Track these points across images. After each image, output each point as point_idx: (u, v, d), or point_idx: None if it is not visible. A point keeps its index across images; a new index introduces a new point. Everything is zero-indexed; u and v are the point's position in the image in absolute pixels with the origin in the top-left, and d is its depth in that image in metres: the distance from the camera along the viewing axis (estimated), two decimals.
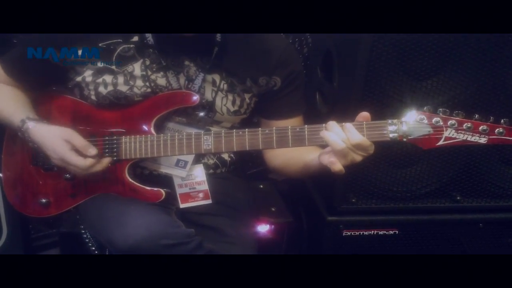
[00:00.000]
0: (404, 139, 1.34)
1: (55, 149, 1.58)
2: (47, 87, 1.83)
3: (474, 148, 1.83)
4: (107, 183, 1.70)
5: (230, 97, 1.72)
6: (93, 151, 1.58)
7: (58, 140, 1.58)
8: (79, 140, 1.58)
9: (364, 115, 1.38)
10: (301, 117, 1.81)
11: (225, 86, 1.70)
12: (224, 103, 1.72)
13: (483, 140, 1.28)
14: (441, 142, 1.31)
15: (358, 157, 1.38)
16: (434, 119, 1.30)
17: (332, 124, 1.37)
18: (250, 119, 1.85)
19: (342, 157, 1.36)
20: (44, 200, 1.77)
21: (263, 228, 2.10)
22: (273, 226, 2.12)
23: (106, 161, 1.62)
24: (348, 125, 1.35)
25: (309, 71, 2.31)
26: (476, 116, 1.28)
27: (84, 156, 1.57)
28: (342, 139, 1.33)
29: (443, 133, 1.30)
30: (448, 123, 1.29)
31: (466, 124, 1.28)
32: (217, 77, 1.70)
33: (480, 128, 1.28)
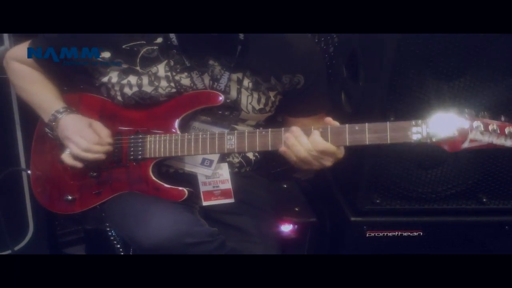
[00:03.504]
0: (428, 141, 1.32)
1: (75, 124, 1.66)
2: (70, 80, 1.86)
3: (500, 149, 1.80)
4: (131, 182, 1.71)
5: (255, 95, 1.71)
6: (109, 139, 1.67)
7: (83, 119, 1.69)
8: (101, 126, 1.68)
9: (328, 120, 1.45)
10: (323, 114, 1.79)
11: (250, 84, 1.70)
12: (250, 102, 1.72)
13: (509, 143, 1.26)
14: (466, 145, 1.29)
15: (327, 162, 1.46)
16: (459, 121, 1.28)
17: (297, 130, 1.45)
18: (275, 117, 1.85)
19: (305, 164, 1.46)
20: (70, 198, 1.79)
21: (287, 228, 2.09)
22: (296, 226, 2.11)
23: (107, 148, 1.67)
24: (315, 132, 1.43)
25: (335, 70, 2.30)
26: (503, 118, 1.26)
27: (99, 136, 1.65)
28: (306, 149, 1.43)
29: (468, 135, 1.28)
30: (474, 125, 1.27)
31: (491, 126, 1.26)
32: (241, 76, 1.70)
33: (506, 130, 1.25)
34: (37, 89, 1.78)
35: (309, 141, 1.42)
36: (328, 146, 1.41)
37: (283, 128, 1.48)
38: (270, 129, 1.50)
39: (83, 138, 1.63)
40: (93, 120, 1.71)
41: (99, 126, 1.68)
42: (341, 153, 1.45)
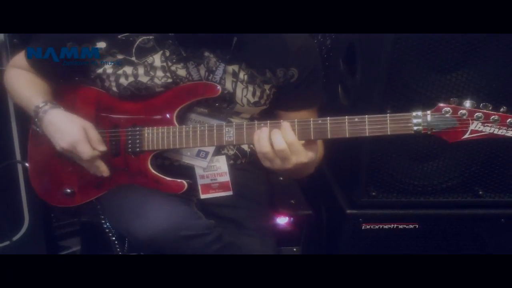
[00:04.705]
0: (429, 132, 1.32)
1: (69, 132, 1.60)
2: (69, 79, 1.84)
3: (497, 142, 1.81)
4: (130, 174, 1.70)
5: (251, 88, 1.71)
6: (102, 147, 1.63)
7: (77, 125, 1.61)
8: (94, 133, 1.63)
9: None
10: (316, 109, 1.81)
11: (246, 77, 1.70)
12: (245, 94, 1.71)
13: (510, 133, 1.26)
14: (467, 135, 1.29)
15: (284, 164, 1.42)
16: (460, 112, 1.28)
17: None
18: (270, 110, 1.84)
19: (267, 160, 1.43)
20: (69, 190, 1.79)
21: (282, 221, 2.09)
22: (292, 219, 2.10)
23: (104, 168, 1.66)
24: (285, 124, 1.41)
25: (332, 63, 2.30)
26: (503, 108, 1.26)
27: (93, 148, 1.61)
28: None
29: (469, 126, 1.28)
30: (474, 115, 1.27)
31: (493, 117, 1.26)
32: (237, 68, 1.69)
33: (508, 121, 1.26)
34: (24, 93, 1.75)
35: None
36: (295, 140, 1.40)
37: (282, 120, 1.47)
38: (268, 121, 1.48)
39: (80, 152, 1.60)
40: (84, 121, 1.66)
41: (93, 133, 1.64)
42: (306, 157, 1.42)
